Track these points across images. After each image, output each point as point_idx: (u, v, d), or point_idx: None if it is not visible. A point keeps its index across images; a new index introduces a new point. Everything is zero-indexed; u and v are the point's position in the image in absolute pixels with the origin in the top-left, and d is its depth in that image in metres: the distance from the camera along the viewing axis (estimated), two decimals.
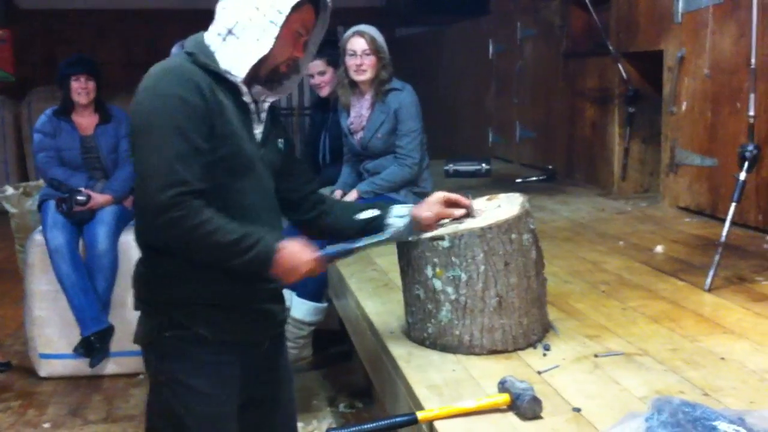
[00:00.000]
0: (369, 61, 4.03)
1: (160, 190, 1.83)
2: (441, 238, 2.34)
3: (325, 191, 4.37)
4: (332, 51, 4.64)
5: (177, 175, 1.84)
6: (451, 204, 2.38)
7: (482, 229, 2.32)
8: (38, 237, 4.65)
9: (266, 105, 2.11)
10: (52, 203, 4.51)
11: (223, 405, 2.08)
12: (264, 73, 2.02)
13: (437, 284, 2.38)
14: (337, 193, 4.20)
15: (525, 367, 2.32)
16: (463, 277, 2.34)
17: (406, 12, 11.23)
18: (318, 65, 4.63)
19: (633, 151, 5.24)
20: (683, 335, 2.59)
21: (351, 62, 4.05)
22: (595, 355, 2.40)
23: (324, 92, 4.70)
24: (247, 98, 2.04)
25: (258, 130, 2.08)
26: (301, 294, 3.89)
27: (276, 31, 1.96)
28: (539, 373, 2.28)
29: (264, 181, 2.09)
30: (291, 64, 2.05)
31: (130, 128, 1.96)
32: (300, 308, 3.87)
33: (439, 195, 2.38)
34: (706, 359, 2.38)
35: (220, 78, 1.97)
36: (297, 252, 1.98)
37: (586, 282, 3.22)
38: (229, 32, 1.97)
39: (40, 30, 10.37)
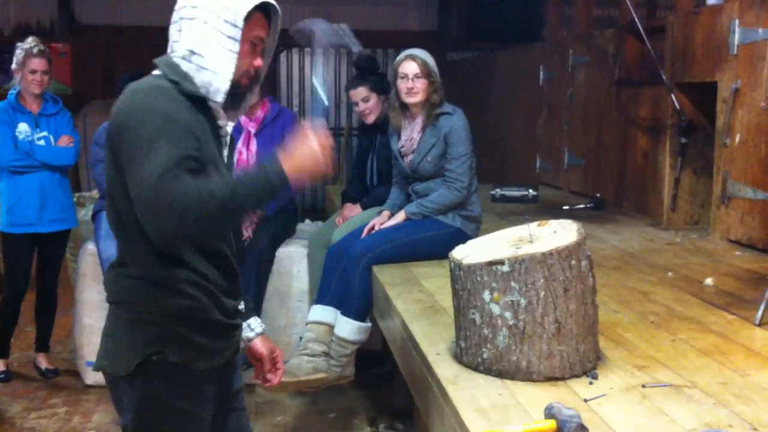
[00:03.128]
0: (420, 84, 4.06)
1: (157, 177, 1.79)
2: (500, 262, 2.34)
3: (373, 212, 4.45)
4: (374, 77, 4.68)
5: (173, 162, 1.81)
6: (274, 360, 2.35)
7: (543, 254, 2.32)
8: (91, 247, 4.75)
9: (230, 128, 2.12)
10: (105, 214, 4.60)
11: (205, 424, 2.11)
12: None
13: (495, 309, 2.37)
14: (385, 214, 4.23)
15: (572, 395, 2.31)
16: (523, 302, 2.34)
17: (457, 36, 11.30)
18: (361, 92, 4.66)
19: (684, 182, 5.19)
20: (733, 369, 2.55)
21: (402, 85, 4.09)
22: (643, 386, 2.38)
23: (370, 119, 4.72)
24: (222, 122, 2.06)
25: (225, 153, 2.12)
26: (346, 313, 3.91)
27: (237, 46, 1.97)
28: (586, 401, 2.27)
29: None
30: (252, 75, 2.06)
31: (120, 144, 1.89)
32: (344, 327, 3.89)
33: (274, 353, 2.36)
34: (756, 394, 2.35)
35: (195, 100, 1.98)
36: (297, 156, 1.95)
37: (634, 312, 3.19)
38: (193, 53, 1.97)
39: (99, 45, 10.60)
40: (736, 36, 4.45)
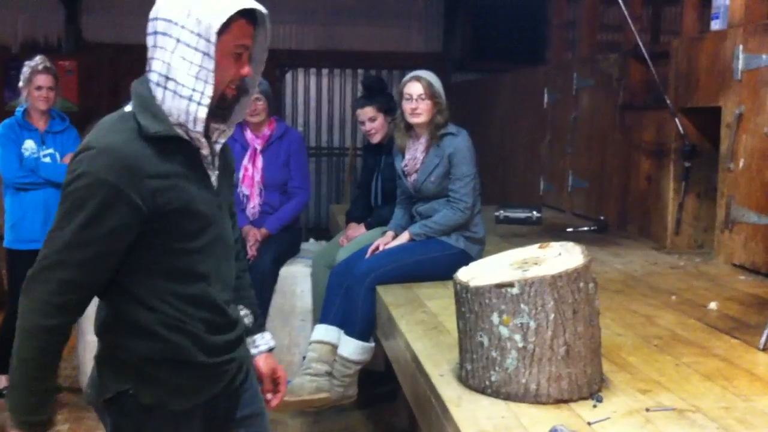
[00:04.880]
0: (424, 105, 4.09)
1: (38, 268, 1.86)
2: (510, 284, 2.35)
3: (377, 232, 4.46)
4: (382, 97, 4.72)
5: (65, 254, 1.82)
6: (275, 381, 2.30)
7: (553, 276, 2.33)
8: None
9: (218, 147, 2.00)
10: None
11: None
12: (211, 105, 1.87)
13: (504, 331, 2.37)
14: (389, 235, 4.24)
15: (575, 418, 2.31)
16: (533, 324, 2.34)
17: (462, 58, 11.36)
18: (368, 112, 4.69)
19: (688, 206, 5.20)
20: (737, 394, 2.55)
21: (407, 106, 4.12)
22: (647, 410, 2.38)
23: (375, 139, 4.75)
24: (205, 151, 1.94)
25: (213, 177, 1.99)
26: (350, 333, 3.91)
27: (212, 63, 1.82)
28: (589, 424, 2.26)
29: (223, 229, 2.03)
30: (238, 85, 1.93)
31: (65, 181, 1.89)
32: (348, 347, 3.89)
33: (276, 373, 2.31)
34: (759, 419, 2.34)
35: (167, 138, 1.85)
36: None
37: (638, 335, 3.19)
38: (167, 78, 1.84)
39: (105, 62, 10.66)
40: (740, 62, 4.47)
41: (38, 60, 4.80)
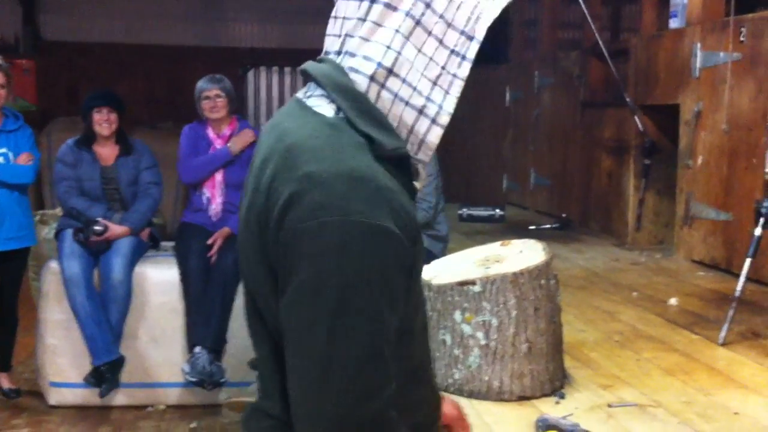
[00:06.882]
0: None
1: (354, 401, 1.05)
2: (472, 282, 2.36)
3: None
4: None
5: (377, 379, 1.06)
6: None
7: (515, 274, 2.34)
8: (54, 265, 4.67)
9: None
10: (69, 232, 4.54)
11: None
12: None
13: (466, 329, 2.38)
14: None
15: (538, 414, 2.32)
16: (494, 322, 2.35)
17: None
18: None
19: (648, 203, 5.26)
20: (697, 388, 2.58)
21: None
22: (609, 405, 2.40)
23: None
24: (420, 183, 1.21)
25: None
26: None
27: (466, 68, 1.21)
28: None
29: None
30: None
31: (291, 265, 1.03)
32: None
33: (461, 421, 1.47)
34: (719, 413, 2.37)
35: (401, 158, 1.16)
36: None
37: (600, 331, 3.22)
38: (390, 73, 1.16)
39: (65, 62, 10.52)
40: (698, 59, 4.53)
41: None
